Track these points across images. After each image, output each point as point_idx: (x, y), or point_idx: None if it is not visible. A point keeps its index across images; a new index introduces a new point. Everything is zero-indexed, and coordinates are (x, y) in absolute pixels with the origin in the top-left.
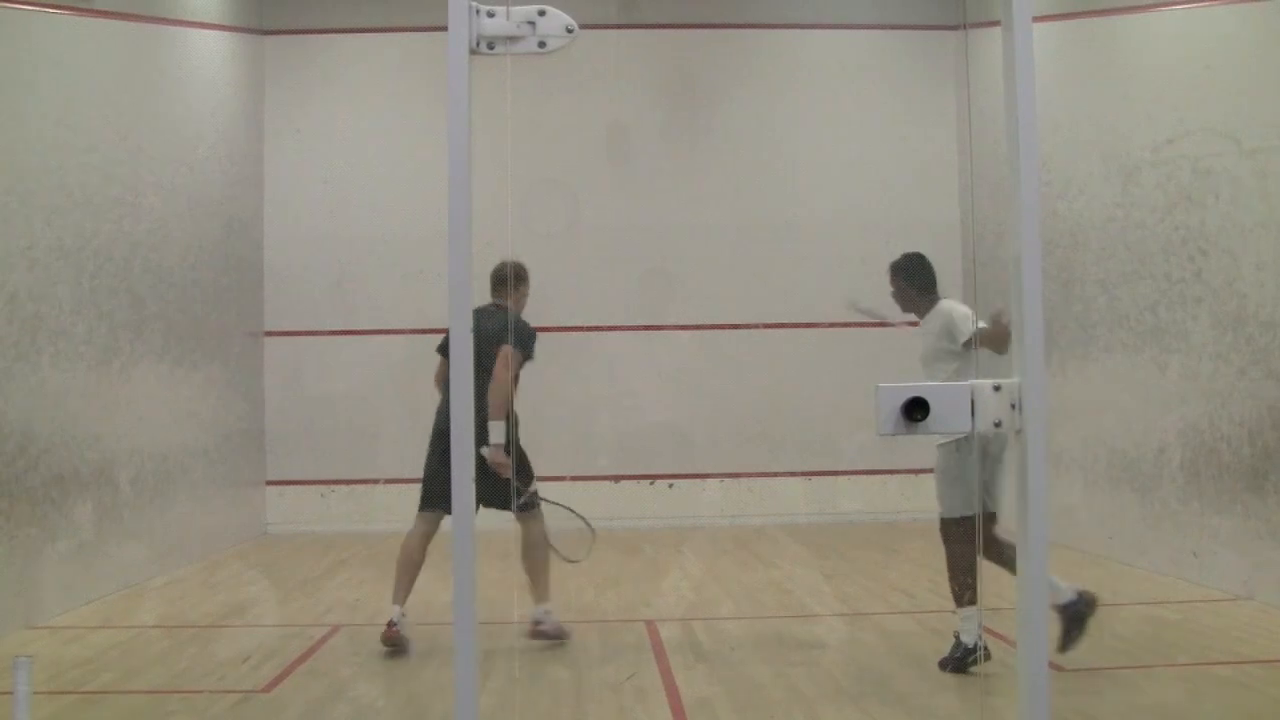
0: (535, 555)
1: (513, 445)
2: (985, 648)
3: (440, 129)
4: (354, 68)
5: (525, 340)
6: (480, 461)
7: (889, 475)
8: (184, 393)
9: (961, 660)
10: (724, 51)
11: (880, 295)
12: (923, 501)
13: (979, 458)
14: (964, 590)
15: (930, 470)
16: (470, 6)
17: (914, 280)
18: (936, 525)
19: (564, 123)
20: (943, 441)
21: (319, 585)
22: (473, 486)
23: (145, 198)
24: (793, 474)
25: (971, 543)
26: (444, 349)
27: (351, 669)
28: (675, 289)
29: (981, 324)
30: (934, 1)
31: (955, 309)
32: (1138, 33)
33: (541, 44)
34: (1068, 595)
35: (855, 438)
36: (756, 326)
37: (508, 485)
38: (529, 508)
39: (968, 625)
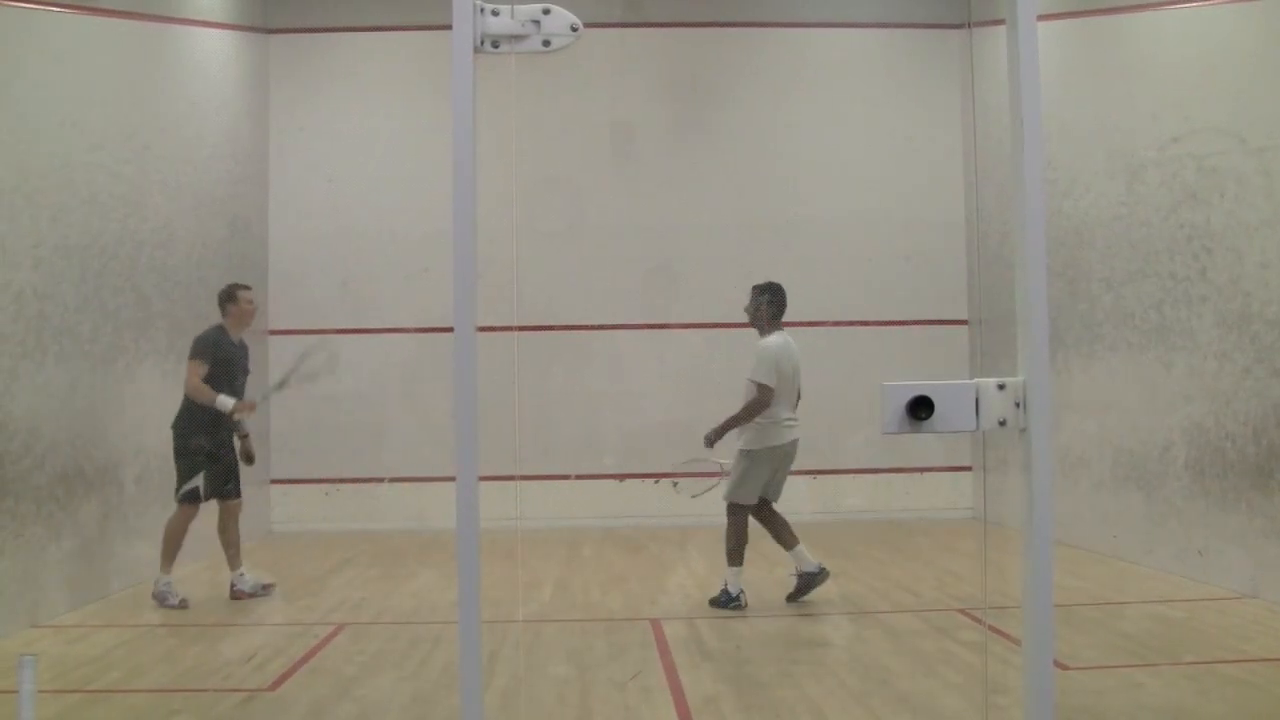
0: (231, 530)
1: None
2: (743, 595)
3: (445, 127)
4: (359, 66)
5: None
6: (207, 460)
7: (893, 474)
8: None
9: (724, 604)
10: (728, 50)
11: (884, 294)
12: (927, 500)
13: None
14: (734, 552)
15: (932, 469)
16: (475, 5)
17: (772, 304)
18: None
19: (568, 121)
20: (741, 448)
21: (324, 584)
22: (476, 487)
23: (151, 196)
24: (798, 472)
25: (741, 519)
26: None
27: (356, 667)
28: (679, 287)
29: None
30: (939, 0)
31: (765, 349)
32: (1143, 31)
33: (546, 42)
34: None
35: (860, 436)
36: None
37: (224, 477)
38: (235, 494)
39: (732, 578)
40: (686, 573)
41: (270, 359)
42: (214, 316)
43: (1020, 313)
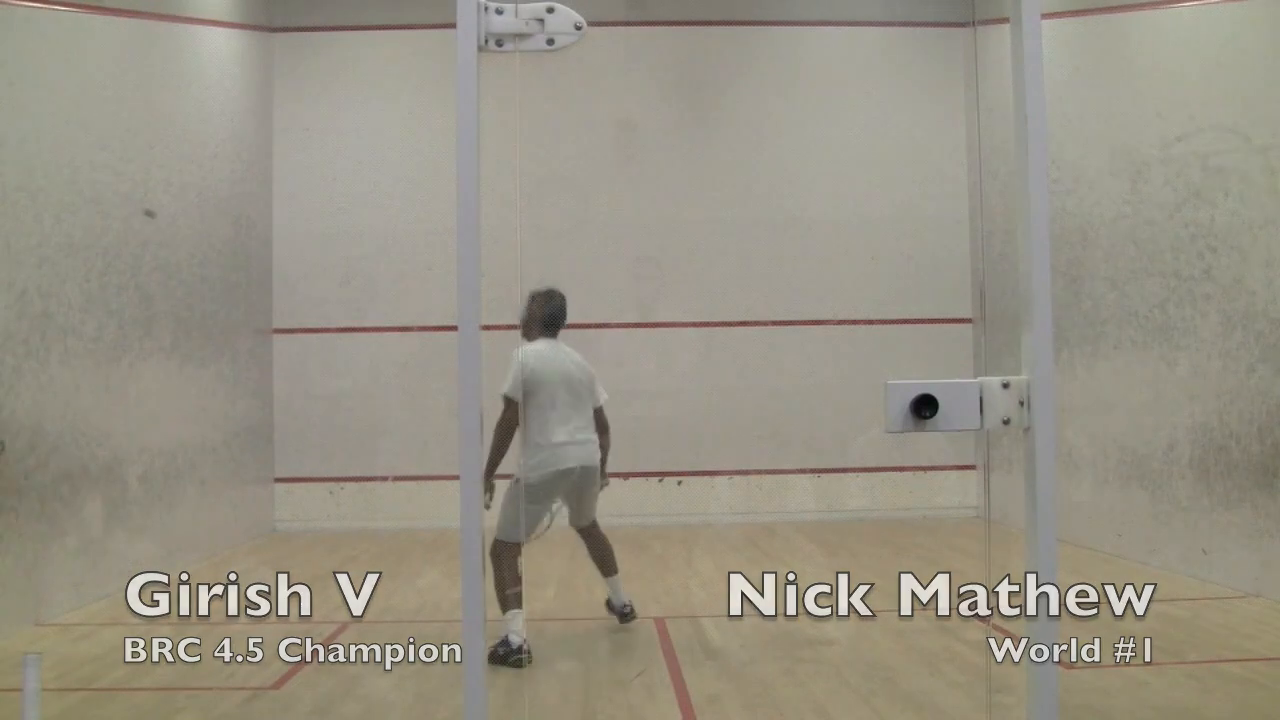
0: None
1: None
2: (528, 651)
3: (449, 126)
4: (363, 65)
5: None
6: None
7: (897, 472)
8: (192, 390)
9: (504, 658)
10: (733, 48)
11: (888, 292)
12: (931, 498)
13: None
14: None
15: (935, 468)
16: (479, 4)
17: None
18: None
19: (572, 119)
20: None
21: (327, 582)
22: (480, 486)
23: (155, 195)
24: (802, 471)
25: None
26: None
27: (360, 666)
28: (684, 286)
29: None
30: None
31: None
32: (1147, 29)
33: (550, 41)
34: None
35: (864, 435)
36: (765, 323)
37: None
38: None
39: (514, 626)
40: (690, 571)
41: (274, 356)
42: (218, 313)
43: (1024, 311)
